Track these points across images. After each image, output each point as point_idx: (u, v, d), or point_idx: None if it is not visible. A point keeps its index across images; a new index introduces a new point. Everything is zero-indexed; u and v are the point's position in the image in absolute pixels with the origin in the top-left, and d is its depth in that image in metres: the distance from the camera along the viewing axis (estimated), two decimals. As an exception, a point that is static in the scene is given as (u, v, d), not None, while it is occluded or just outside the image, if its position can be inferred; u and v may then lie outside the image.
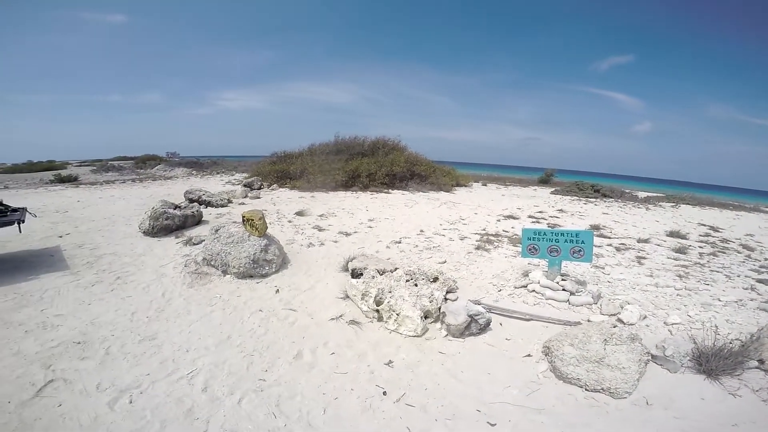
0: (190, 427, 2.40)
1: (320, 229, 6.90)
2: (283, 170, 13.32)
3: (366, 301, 3.90)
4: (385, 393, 2.81)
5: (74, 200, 10.01)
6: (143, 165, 24.85)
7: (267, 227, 4.96)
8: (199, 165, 23.38)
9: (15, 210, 4.89)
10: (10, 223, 4.62)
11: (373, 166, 12.78)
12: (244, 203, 9.47)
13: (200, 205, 8.00)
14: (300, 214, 8.05)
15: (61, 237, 6.18)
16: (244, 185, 11.93)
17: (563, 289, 4.25)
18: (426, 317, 3.68)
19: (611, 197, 13.28)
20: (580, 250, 4.32)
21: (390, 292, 3.88)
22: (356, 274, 4.53)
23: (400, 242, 6.36)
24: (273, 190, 12.00)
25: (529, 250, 4.58)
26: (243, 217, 4.88)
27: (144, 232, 6.24)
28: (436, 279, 4.27)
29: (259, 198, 10.38)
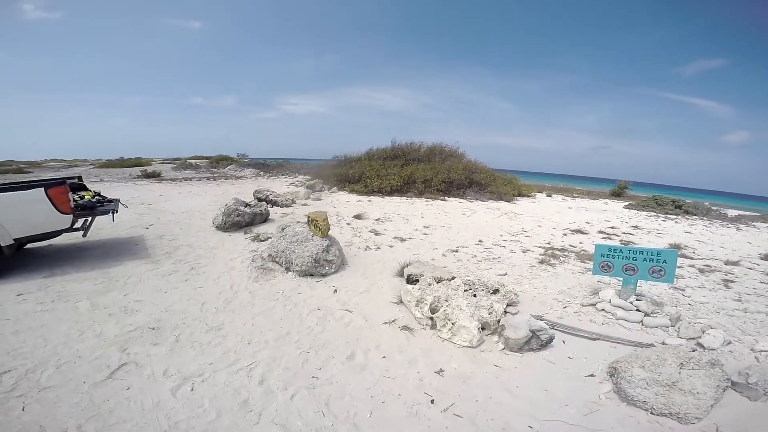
0: (243, 418, 2.48)
1: (376, 233, 7.00)
2: (343, 174, 13.71)
3: (420, 308, 3.86)
4: (432, 401, 2.75)
5: (157, 194, 11.09)
6: (217, 164, 26.79)
7: (330, 228, 5.13)
8: (266, 166, 24.75)
9: (110, 201, 5.51)
10: (106, 213, 5.21)
11: (430, 172, 12.73)
12: (306, 204, 9.88)
13: (267, 204, 8.47)
14: (358, 217, 8.23)
15: (147, 229, 6.87)
16: (307, 187, 12.45)
17: (637, 310, 3.98)
18: (483, 329, 3.56)
19: (695, 214, 12.03)
20: (660, 270, 4.01)
21: (447, 300, 3.81)
22: (411, 280, 4.52)
23: (456, 251, 6.26)
24: (333, 192, 12.38)
25: (602, 267, 4.32)
26: (308, 217, 5.09)
27: (217, 227, 6.75)
28: (496, 291, 4.14)
29: (320, 200, 10.76)
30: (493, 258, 6.03)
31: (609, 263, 4.28)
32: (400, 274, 4.93)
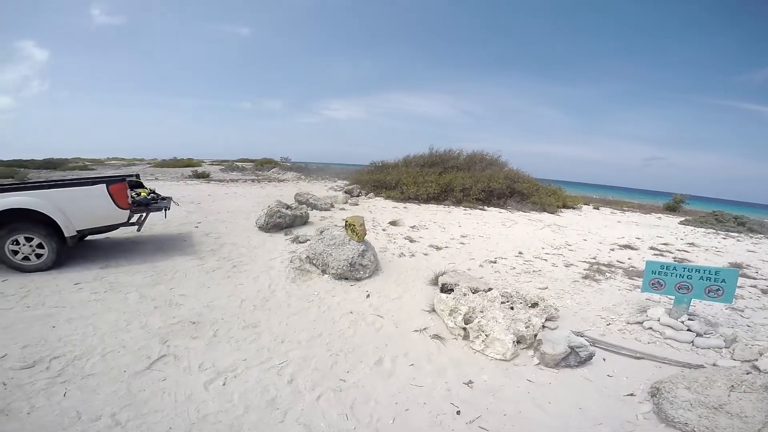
0: (269, 416, 2.52)
1: (411, 240, 6.96)
2: (380, 180, 13.79)
3: (454, 318, 3.79)
4: (458, 412, 2.68)
5: (206, 194, 11.68)
6: (261, 167, 27.87)
7: (366, 233, 5.17)
8: (307, 170, 25.47)
9: (163, 199, 5.88)
10: (159, 210, 5.57)
11: (469, 180, 12.52)
12: (344, 209, 10.04)
13: (307, 207, 8.70)
14: (393, 223, 8.23)
15: (196, 227, 7.24)
16: (345, 192, 12.66)
17: (688, 330, 3.75)
18: (518, 342, 3.45)
19: (760, 233, 10.99)
20: (718, 289, 3.75)
21: (482, 312, 3.72)
22: (446, 289, 4.45)
23: (495, 262, 6.09)
24: (370, 198, 12.49)
25: (652, 284, 4.07)
26: (345, 221, 5.16)
27: (259, 227, 7.01)
28: (535, 305, 3.99)
29: (357, 205, 10.89)
30: (534, 271, 5.81)
31: (660, 281, 4.04)
32: (434, 282, 4.87)
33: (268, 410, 2.56)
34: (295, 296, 4.42)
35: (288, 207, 7.50)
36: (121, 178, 5.05)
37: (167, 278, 4.69)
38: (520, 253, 6.79)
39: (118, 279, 4.58)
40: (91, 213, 4.78)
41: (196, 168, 24.01)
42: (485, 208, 11.69)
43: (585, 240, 8.45)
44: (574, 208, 13.96)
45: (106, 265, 5.03)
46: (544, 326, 3.75)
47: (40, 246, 4.64)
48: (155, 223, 6.83)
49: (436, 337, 3.68)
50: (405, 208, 10.78)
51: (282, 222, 7.07)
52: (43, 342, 3.17)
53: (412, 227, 8.09)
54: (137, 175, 6.22)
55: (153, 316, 3.72)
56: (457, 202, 11.81)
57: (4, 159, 26.31)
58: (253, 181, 18.27)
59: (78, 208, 4.71)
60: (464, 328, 3.67)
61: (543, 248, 7.31)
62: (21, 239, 4.56)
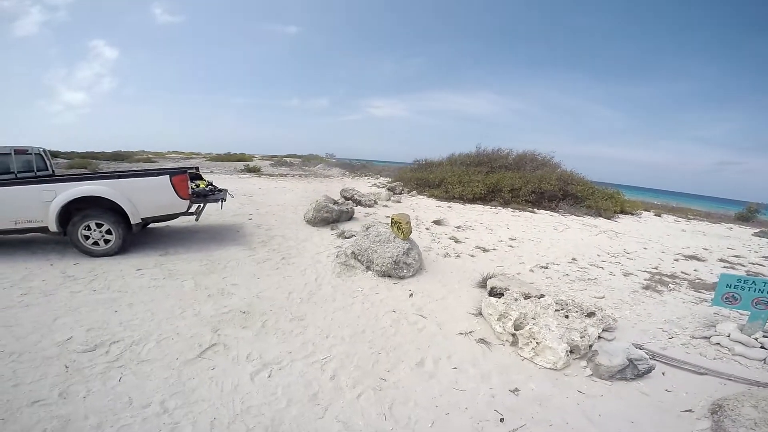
0: (310, 411, 2.51)
1: (456, 241, 6.79)
2: (423, 178, 13.65)
3: (503, 323, 3.63)
4: (502, 420, 2.55)
5: (257, 187, 12.15)
6: (308, 163, 28.64)
7: (412, 231, 5.10)
8: (350, 167, 25.83)
9: (219, 191, 6.17)
10: (216, 201, 5.85)
11: (518, 181, 12.05)
12: (387, 206, 10.03)
13: (353, 203, 8.78)
14: (437, 222, 8.09)
15: (250, 219, 7.53)
16: (388, 189, 12.65)
17: (761, 347, 3.45)
18: (571, 352, 3.28)
19: None
20: None
21: (534, 318, 3.54)
22: (495, 293, 4.28)
23: (546, 268, 5.80)
24: (413, 196, 12.39)
25: (725, 298, 3.71)
26: (391, 219, 5.13)
27: (307, 221, 7.16)
28: (592, 314, 3.75)
29: (400, 203, 10.84)
30: (589, 279, 5.47)
31: (736, 295, 3.68)
32: (482, 285, 4.71)
33: (309, 405, 2.57)
34: (340, 291, 4.45)
35: (335, 202, 7.60)
36: (183, 170, 5.33)
37: (220, 267, 4.89)
38: (574, 259, 6.42)
39: (176, 266, 4.84)
40: (154, 202, 5.09)
41: (247, 163, 25.15)
42: (535, 210, 11.20)
43: (645, 248, 7.85)
44: (632, 214, 13.02)
45: (165, 252, 5.34)
46: (600, 337, 3.54)
47: (108, 232, 5.01)
48: (211, 213, 7.18)
49: (482, 341, 3.54)
50: (449, 207, 10.57)
51: (329, 217, 7.18)
52: (106, 326, 3.37)
53: (457, 227, 7.91)
54: (197, 168, 6.56)
55: (206, 305, 3.86)
56: (505, 204, 11.40)
57: (80, 151, 29.03)
58: (300, 176, 18.79)
59: (143, 197, 5.03)
60: (513, 335, 3.52)
61: (599, 255, 6.87)
62: (92, 225, 4.95)
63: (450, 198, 11.71)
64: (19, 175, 5.40)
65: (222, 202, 5.95)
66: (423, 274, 5.09)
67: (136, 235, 5.33)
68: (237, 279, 4.56)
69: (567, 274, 5.59)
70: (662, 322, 4.15)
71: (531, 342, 3.36)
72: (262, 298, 4.09)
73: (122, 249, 5.13)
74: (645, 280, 5.57)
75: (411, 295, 4.48)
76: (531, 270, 5.65)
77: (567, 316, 3.64)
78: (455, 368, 3.13)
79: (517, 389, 2.90)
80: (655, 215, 13.86)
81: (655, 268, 6.28)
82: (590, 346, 3.32)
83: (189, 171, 5.65)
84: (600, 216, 11.44)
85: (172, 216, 5.35)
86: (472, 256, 6.07)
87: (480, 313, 4.03)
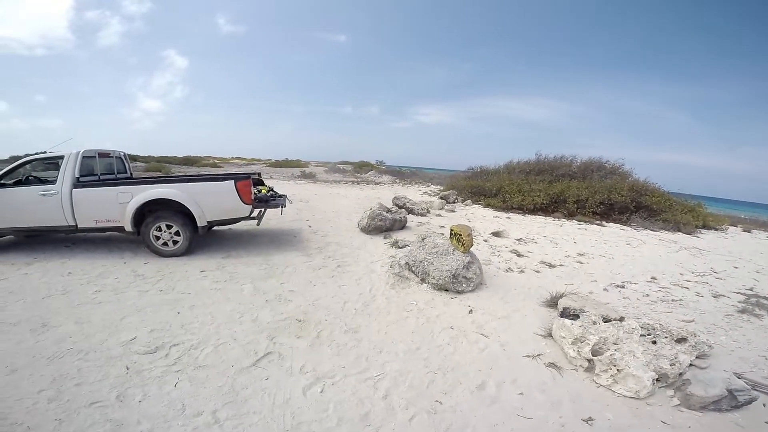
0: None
1: (519, 255, 6.36)
2: (478, 186, 13.15)
3: (578, 348, 3.27)
4: None
5: (312, 193, 12.41)
6: (360, 170, 29.03)
7: (473, 244, 4.81)
8: (401, 174, 25.79)
9: (280, 196, 6.29)
10: (277, 207, 5.97)
11: (585, 191, 11.18)
12: (440, 215, 9.74)
13: (405, 211, 8.62)
14: (496, 234, 7.67)
15: (310, 226, 7.63)
16: (441, 197, 12.33)
17: None
18: (657, 380, 2.94)
19: None
20: None
21: (615, 344, 3.17)
22: (568, 314, 3.88)
23: (622, 287, 5.23)
24: (467, 205, 11.97)
25: None
26: (451, 230, 4.88)
27: (361, 229, 7.11)
28: (683, 340, 3.30)
29: (454, 212, 10.49)
30: (673, 300, 4.88)
31: None
32: (551, 304, 4.31)
33: (360, 425, 2.42)
34: (394, 303, 4.27)
35: (388, 210, 7.48)
36: (247, 176, 5.49)
37: (278, 272, 4.93)
38: (653, 278, 5.76)
39: (237, 269, 4.94)
40: (220, 206, 5.27)
41: (303, 169, 25.98)
42: (604, 223, 10.31)
43: (736, 267, 6.91)
44: (717, 229, 11.60)
45: (227, 255, 5.50)
46: (692, 364, 3.13)
47: (177, 234, 5.26)
48: (270, 218, 7.37)
49: (552, 365, 3.22)
50: (508, 218, 10.04)
51: (382, 225, 7.07)
52: (168, 327, 3.45)
53: (518, 240, 7.44)
54: (259, 174, 6.76)
55: (264, 310, 3.86)
56: (569, 215, 10.63)
57: (155, 155, 31.74)
58: (352, 182, 19.02)
59: (210, 201, 5.23)
60: (589, 360, 3.17)
61: (682, 274, 6.14)
62: (163, 226, 5.22)
63: (508, 208, 11.15)
64: (101, 177, 5.84)
65: (282, 207, 6.06)
66: (483, 289, 4.78)
67: (201, 237, 5.54)
68: (294, 285, 4.56)
69: (647, 295, 5.02)
70: (765, 349, 3.68)
71: (610, 369, 3.02)
72: (317, 307, 4.03)
73: (188, 250, 5.36)
74: (740, 302, 4.92)
75: (471, 311, 4.19)
76: (605, 289, 5.14)
77: (655, 342, 3.24)
78: (521, 394, 2.85)
79: (591, 418, 2.61)
80: (744, 231, 12.25)
81: (751, 290, 5.53)
82: (680, 374, 2.97)
83: (252, 176, 5.80)
84: (679, 231, 10.30)
85: (236, 220, 5.51)
86: (537, 271, 5.63)
87: (549, 335, 3.69)
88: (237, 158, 43.37)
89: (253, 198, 5.41)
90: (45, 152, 5.52)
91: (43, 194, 5.05)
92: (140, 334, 3.32)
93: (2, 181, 5.15)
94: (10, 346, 3.06)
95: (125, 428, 2.26)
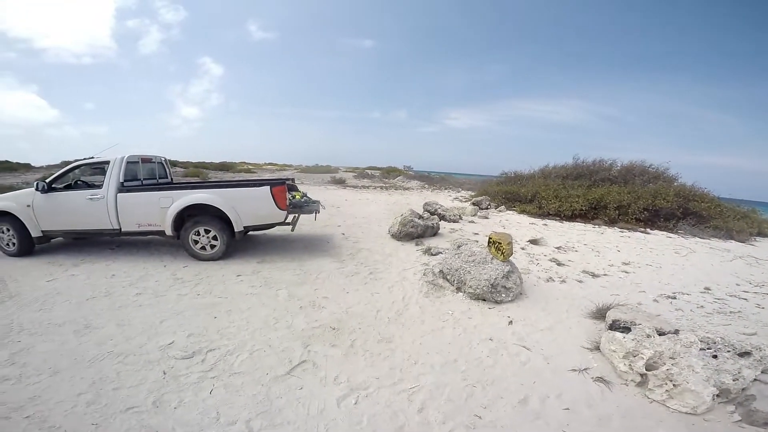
0: None
1: (559, 264, 6.07)
2: (512, 192, 12.78)
3: (630, 362, 3.08)
4: None
5: (343, 199, 12.47)
6: (388, 175, 29.06)
7: (513, 253, 4.62)
8: (429, 179, 25.58)
9: (314, 202, 6.31)
10: (311, 212, 5.98)
11: (627, 196, 10.62)
12: (473, 221, 9.51)
13: (437, 218, 8.47)
14: (534, 242, 7.38)
15: (342, 234, 7.63)
16: (473, 203, 12.06)
17: None
18: (717, 395, 2.76)
19: None
20: None
21: (672, 358, 2.96)
22: (618, 327, 3.64)
23: (674, 298, 4.88)
24: (501, 211, 11.65)
25: None
26: (489, 238, 4.70)
27: (392, 235, 7.02)
28: (747, 353, 3.03)
29: (488, 218, 10.22)
30: (731, 312, 4.52)
31: None
32: (598, 316, 4.06)
33: None
34: (428, 313, 4.14)
35: (420, 217, 7.35)
36: (282, 182, 5.54)
37: (312, 278, 4.91)
38: (707, 288, 5.36)
39: (272, 275, 4.97)
40: (256, 211, 5.34)
41: (334, 174, 26.29)
42: (648, 230, 9.74)
43: (800, 278, 6.33)
44: (775, 237, 10.73)
45: (262, 260, 5.55)
46: (756, 379, 2.94)
47: (214, 238, 5.37)
48: (303, 223, 7.42)
49: (600, 380, 3.02)
50: (545, 225, 9.67)
51: (414, 232, 6.95)
52: (205, 332, 3.48)
53: (557, 248, 7.12)
54: (292, 179, 6.83)
55: (298, 317, 3.84)
56: (611, 222, 10.11)
57: (194, 161, 33.01)
58: (381, 188, 19.02)
59: (246, 207, 5.30)
60: (643, 375, 2.99)
61: (738, 285, 5.70)
62: (201, 231, 5.33)
63: (545, 214, 10.75)
64: (144, 182, 6.05)
65: (316, 213, 6.07)
66: (523, 299, 4.57)
67: (237, 242, 5.62)
68: (327, 291, 4.52)
69: (701, 306, 4.68)
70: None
71: (666, 384, 2.84)
72: (351, 314, 3.96)
73: (225, 254, 5.46)
74: (807, 317, 4.47)
75: (511, 322, 4.00)
76: (655, 300, 4.82)
77: (716, 356, 3.00)
78: (566, 409, 2.69)
79: (643, 435, 2.43)
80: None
81: (821, 304, 5.00)
82: (743, 389, 2.80)
83: (286, 182, 5.85)
84: (731, 238, 9.58)
85: (271, 225, 5.56)
86: (579, 281, 5.35)
87: (597, 348, 3.49)
88: (269, 164, 44.53)
89: (287, 203, 5.44)
90: (92, 158, 5.77)
91: (91, 198, 5.28)
92: (178, 338, 3.35)
93: (54, 186, 5.42)
94: (54, 347, 3.16)
95: None
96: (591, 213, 10.55)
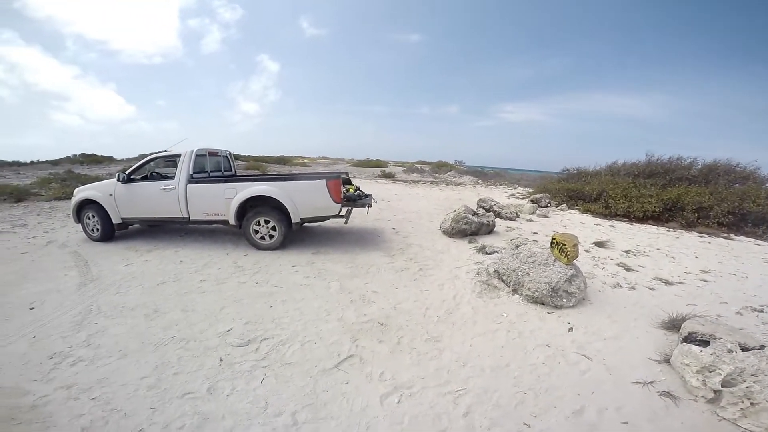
0: None
1: (627, 269, 5.59)
2: (576, 189, 12.00)
3: (705, 377, 2.80)
4: None
5: (392, 193, 12.46)
6: (438, 170, 28.63)
7: (578, 256, 4.33)
8: (483, 175, 24.82)
9: (366, 196, 6.37)
10: (364, 206, 6.05)
11: (708, 198, 9.55)
12: (531, 220, 9.07)
13: (492, 215, 8.19)
14: (599, 244, 6.87)
15: (393, 228, 7.65)
16: (531, 201, 11.51)
17: None
18: None
19: None
20: None
21: (755, 375, 2.67)
22: (694, 340, 3.29)
23: (761, 311, 4.32)
24: (562, 210, 11.00)
25: None
26: (553, 239, 4.44)
27: (443, 231, 6.89)
28: None
29: (547, 217, 9.70)
30: None
31: None
32: (670, 326, 3.70)
33: None
34: (481, 314, 4.00)
35: (474, 213, 7.13)
36: (338, 175, 5.64)
37: (363, 272, 4.95)
38: (804, 304, 4.66)
39: (325, 266, 5.08)
40: (312, 204, 5.49)
41: (383, 168, 26.42)
42: (732, 236, 8.70)
43: None
44: None
45: (317, 251, 5.70)
46: None
47: (273, 229, 5.60)
48: (355, 216, 7.52)
49: (666, 394, 2.78)
50: (612, 226, 8.98)
51: (467, 229, 6.76)
52: (261, 320, 3.60)
53: (626, 252, 6.58)
54: (347, 173, 6.93)
55: (348, 310, 3.87)
56: (688, 226, 9.16)
57: (253, 155, 34.78)
58: (431, 183, 18.77)
59: (303, 199, 5.47)
60: (717, 391, 2.73)
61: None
62: (261, 221, 5.58)
63: (611, 215, 9.99)
64: (210, 174, 6.44)
65: (369, 207, 6.12)
66: (586, 305, 4.26)
67: (294, 233, 5.81)
68: (377, 286, 4.53)
69: (797, 323, 4.07)
70: None
71: (742, 402, 2.59)
72: (399, 311, 3.93)
73: (282, 245, 5.68)
74: None
75: (571, 329, 3.76)
76: (738, 312, 4.29)
77: None
78: (625, 423, 2.49)
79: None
80: None
81: None
82: None
83: (341, 176, 5.94)
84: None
85: (325, 217, 5.69)
86: (651, 289, 4.89)
87: (666, 361, 3.20)
88: (323, 158, 45.76)
89: (342, 197, 5.52)
90: (165, 151, 6.23)
91: (164, 189, 5.72)
92: (236, 325, 3.50)
93: (132, 177, 5.94)
94: (125, 331, 3.40)
95: (210, 423, 2.33)
96: (665, 215, 9.62)
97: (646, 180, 11.40)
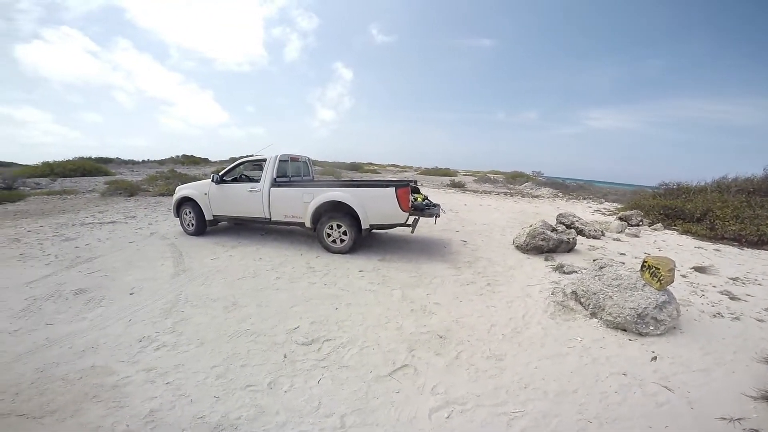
0: None
1: (732, 298, 4.85)
2: (674, 207, 10.68)
3: None
4: None
5: (462, 203, 12.21)
6: (513, 180, 27.41)
7: (673, 281, 3.87)
8: (564, 187, 23.20)
9: (434, 205, 6.36)
10: (431, 216, 6.04)
11: None
12: (619, 239, 8.27)
13: (574, 231, 7.64)
14: (699, 269, 6.04)
15: (464, 241, 7.53)
16: (620, 218, 10.50)
17: None
18: None
19: None
20: None
21: None
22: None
23: None
24: (656, 230, 9.86)
25: None
26: (645, 262, 4.01)
27: (517, 247, 6.58)
28: None
29: (638, 237, 8.77)
30: None
31: None
32: (778, 365, 3.15)
33: None
34: (551, 336, 3.75)
35: (553, 229, 6.70)
36: (407, 184, 5.73)
37: (426, 282, 4.93)
38: None
39: (389, 274, 5.15)
40: (381, 211, 5.63)
41: (452, 178, 26.04)
42: None
43: None
44: None
45: (383, 258, 5.81)
46: None
47: (344, 233, 5.83)
48: (422, 225, 7.51)
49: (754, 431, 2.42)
50: (717, 250, 7.84)
51: (544, 245, 6.37)
52: (325, 321, 3.74)
53: (732, 279, 5.71)
54: (415, 182, 7.00)
55: (408, 320, 3.87)
56: (819, 254, 7.66)
57: (329, 161, 36.49)
58: (505, 194, 18.03)
59: (373, 206, 5.64)
60: None
61: None
62: (334, 225, 5.85)
63: (717, 237, 8.73)
64: (291, 179, 6.93)
65: (437, 217, 6.10)
66: (676, 334, 3.79)
67: (363, 239, 5.99)
68: (439, 298, 4.47)
69: None
70: None
71: None
72: (461, 325, 3.83)
73: (352, 249, 5.89)
74: None
75: (654, 358, 3.37)
76: None
77: None
78: None
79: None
80: None
81: None
82: None
83: (410, 185, 6.01)
84: None
85: (392, 225, 5.80)
86: (759, 320, 4.21)
87: (765, 398, 2.79)
88: (392, 165, 46.51)
89: (410, 205, 5.58)
90: (253, 155, 6.84)
91: (251, 191, 6.28)
92: (303, 324, 3.68)
93: (224, 178, 6.63)
94: (205, 321, 3.72)
95: (264, 416, 2.44)
96: (788, 240, 8.15)
97: (763, 198, 9.78)
